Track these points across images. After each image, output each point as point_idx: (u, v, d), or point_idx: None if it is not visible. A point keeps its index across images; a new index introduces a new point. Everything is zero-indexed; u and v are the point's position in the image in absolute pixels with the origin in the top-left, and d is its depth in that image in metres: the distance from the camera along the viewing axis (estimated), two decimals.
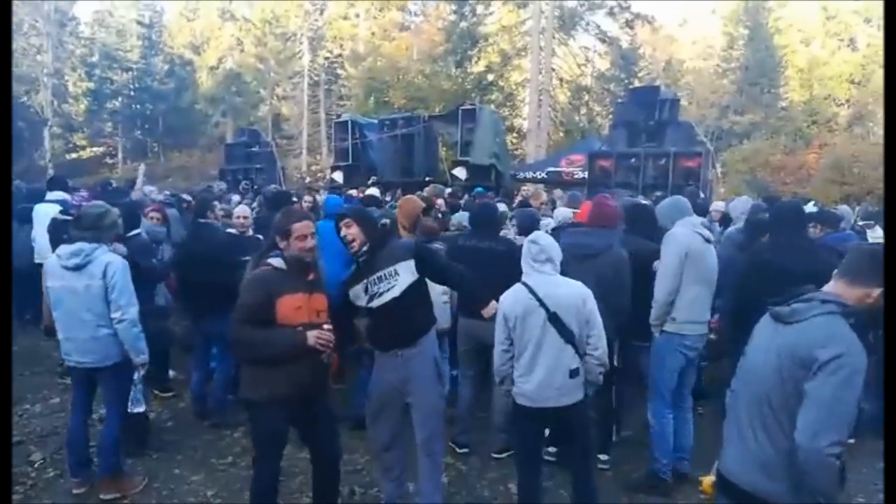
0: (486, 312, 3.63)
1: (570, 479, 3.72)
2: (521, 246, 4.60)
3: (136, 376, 4.12)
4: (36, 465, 4.61)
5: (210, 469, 4.60)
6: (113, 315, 3.95)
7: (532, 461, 3.64)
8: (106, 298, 3.95)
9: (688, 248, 4.10)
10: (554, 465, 4.39)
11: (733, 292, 4.60)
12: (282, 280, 3.23)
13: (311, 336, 3.22)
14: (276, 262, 3.28)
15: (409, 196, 6.15)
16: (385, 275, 3.53)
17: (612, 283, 4.16)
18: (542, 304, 3.34)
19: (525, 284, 3.45)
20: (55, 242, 5.93)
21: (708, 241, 4.21)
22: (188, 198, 9.21)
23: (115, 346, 4.02)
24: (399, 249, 3.64)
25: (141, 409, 4.23)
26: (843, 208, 7.63)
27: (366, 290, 3.57)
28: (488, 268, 4.27)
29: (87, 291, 3.92)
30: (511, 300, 3.46)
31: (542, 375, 3.36)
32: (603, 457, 4.61)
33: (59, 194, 7.56)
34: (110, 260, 3.98)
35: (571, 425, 3.51)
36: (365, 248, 3.55)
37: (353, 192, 11.98)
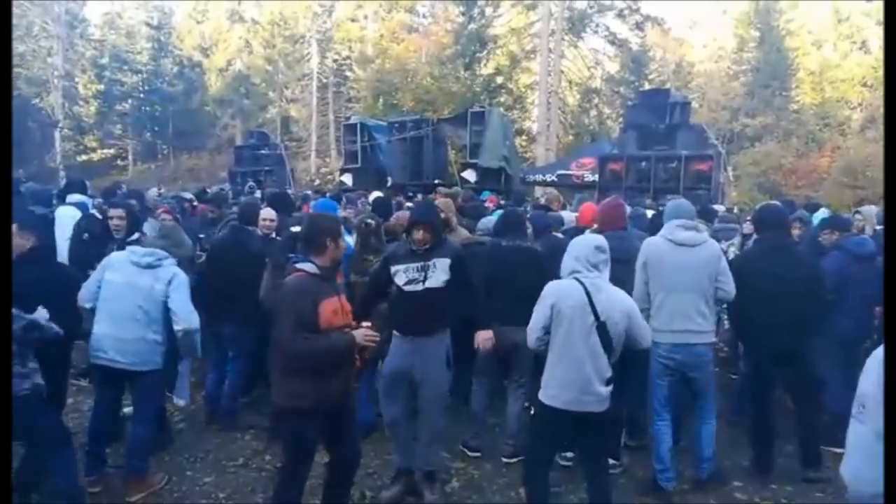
0: (481, 339, 4.03)
1: (584, 483, 3.70)
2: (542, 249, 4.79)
3: (183, 367, 4.25)
4: None
5: (221, 471, 4.59)
6: (177, 328, 4.01)
7: (545, 466, 3.63)
8: (164, 305, 4.02)
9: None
10: (564, 470, 4.37)
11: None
12: (318, 285, 3.25)
13: (359, 335, 3.30)
14: (310, 267, 3.28)
15: (443, 199, 6.29)
16: (425, 266, 3.89)
17: (631, 283, 4.14)
18: (592, 307, 3.33)
19: (580, 282, 3.40)
20: (77, 240, 6.08)
21: (686, 244, 4.08)
22: (188, 196, 9.17)
23: (157, 354, 4.06)
24: (444, 247, 3.98)
25: (185, 401, 4.39)
26: (868, 209, 7.52)
27: (406, 272, 3.92)
28: (523, 270, 4.49)
29: (149, 291, 4.00)
30: (563, 293, 3.42)
31: (581, 381, 3.34)
32: (612, 461, 4.55)
33: (77, 197, 7.53)
34: (177, 272, 4.13)
35: (601, 432, 3.50)
36: (426, 245, 3.90)
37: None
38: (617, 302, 3.40)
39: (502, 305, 4.42)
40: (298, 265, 3.29)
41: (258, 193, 12.15)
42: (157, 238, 4.24)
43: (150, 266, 4.03)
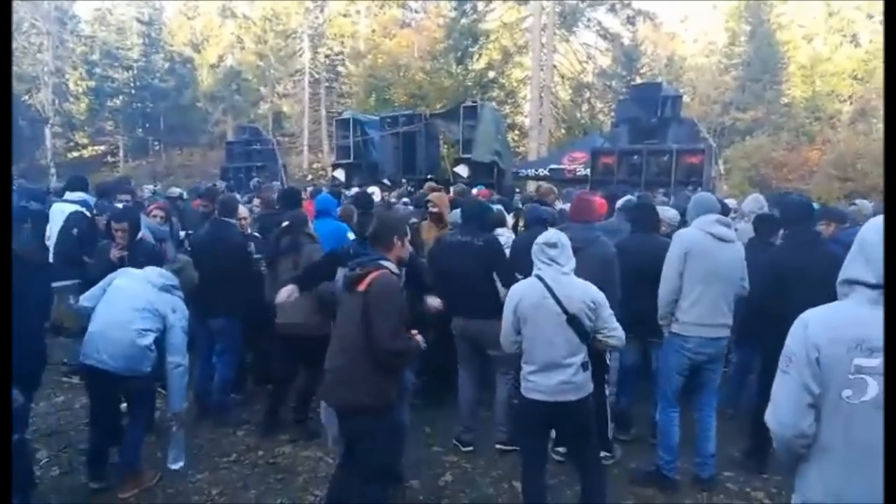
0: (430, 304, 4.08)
1: (578, 476, 3.73)
2: (502, 243, 4.92)
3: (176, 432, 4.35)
4: (41, 464, 4.56)
5: (214, 467, 4.59)
6: (170, 359, 4.05)
7: (539, 459, 3.66)
8: (162, 322, 4.06)
9: (688, 247, 4.06)
10: (558, 464, 4.39)
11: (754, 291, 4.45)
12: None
13: (420, 342, 3.44)
14: (394, 266, 3.40)
15: (437, 193, 6.42)
16: None
17: (599, 275, 3.98)
18: (557, 300, 3.38)
19: (540, 279, 3.46)
20: (65, 233, 6.08)
21: (723, 239, 4.09)
22: (177, 192, 9.13)
23: (148, 361, 4.05)
24: None
25: (181, 407, 4.32)
26: (863, 202, 7.58)
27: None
28: (469, 263, 4.57)
29: (153, 304, 4.04)
30: (524, 292, 3.51)
31: (555, 370, 3.40)
32: (604, 454, 4.58)
33: (79, 194, 7.38)
34: (183, 308, 4.21)
35: (583, 420, 3.54)
36: None
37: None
38: (579, 292, 3.43)
39: (458, 299, 4.53)
40: (385, 263, 3.33)
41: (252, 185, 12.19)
42: (173, 271, 4.31)
43: (163, 287, 4.13)
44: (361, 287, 3.21)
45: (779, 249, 4.78)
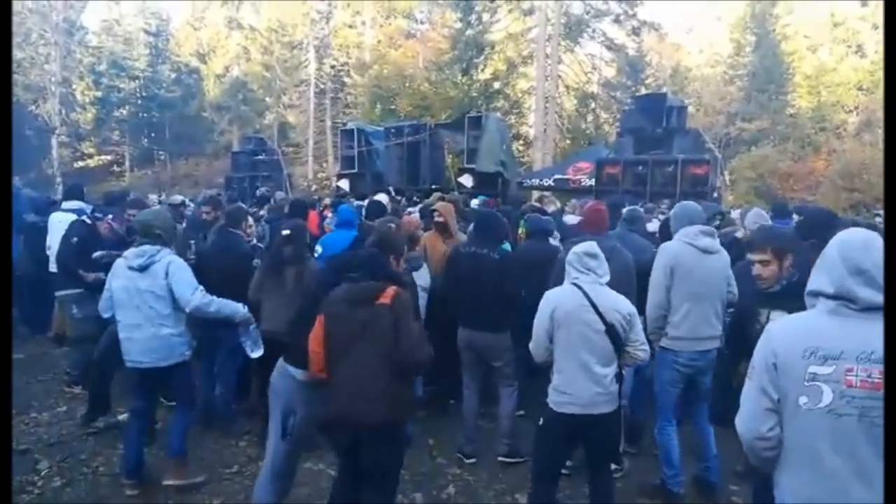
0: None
1: (585, 488, 3.74)
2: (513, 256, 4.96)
3: (251, 327, 4.33)
4: (42, 474, 4.54)
5: (216, 477, 4.56)
6: (186, 308, 4.10)
7: (555, 474, 3.65)
8: (170, 298, 4.11)
9: (674, 261, 4.02)
10: (564, 478, 4.30)
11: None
12: None
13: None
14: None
15: (444, 203, 6.45)
16: None
17: (621, 285, 3.91)
18: (596, 310, 3.36)
19: (578, 287, 3.43)
20: (66, 243, 6.04)
21: (708, 251, 4.06)
22: (179, 200, 9.07)
23: (178, 346, 4.17)
24: None
25: (259, 353, 4.33)
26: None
27: None
28: (483, 275, 4.53)
29: (151, 290, 4.07)
30: (560, 299, 3.47)
31: (591, 383, 3.37)
32: (614, 466, 4.53)
33: (75, 203, 7.49)
34: (171, 259, 4.17)
35: (615, 432, 3.57)
36: None
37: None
38: (616, 303, 3.43)
39: (466, 310, 4.62)
40: (394, 275, 3.37)
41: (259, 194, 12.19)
42: (141, 237, 4.25)
43: (143, 267, 4.08)
44: (385, 300, 3.12)
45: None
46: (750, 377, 2.06)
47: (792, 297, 2.61)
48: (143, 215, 4.47)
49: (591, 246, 3.56)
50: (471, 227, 5.62)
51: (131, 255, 4.14)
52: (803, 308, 2.07)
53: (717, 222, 6.20)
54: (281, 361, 3.61)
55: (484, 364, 4.78)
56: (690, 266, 4.00)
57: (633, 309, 3.45)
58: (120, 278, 4.13)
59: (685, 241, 4.06)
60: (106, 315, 4.24)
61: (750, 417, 2.04)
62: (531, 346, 3.58)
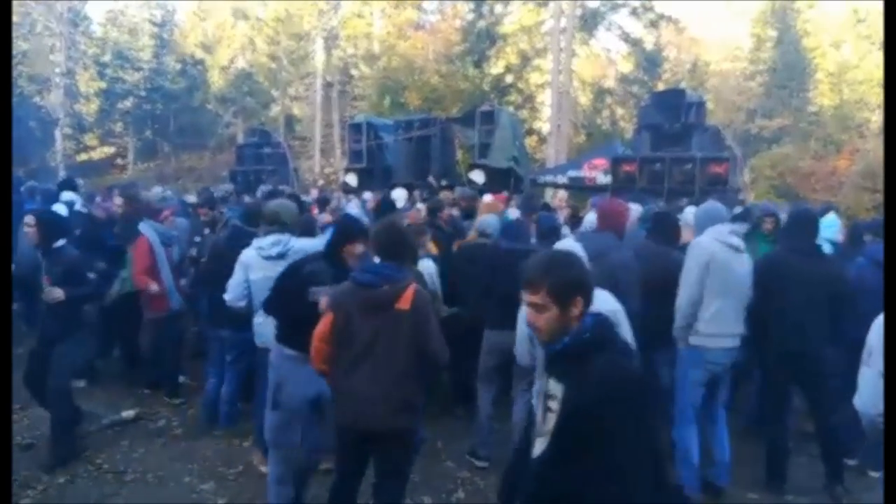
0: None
1: None
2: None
3: None
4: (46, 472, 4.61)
5: (220, 478, 4.64)
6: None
7: None
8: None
9: (710, 257, 4.12)
10: None
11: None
12: None
13: None
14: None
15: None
16: None
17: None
18: None
19: None
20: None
21: (738, 249, 4.21)
22: (192, 200, 9.42)
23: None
24: None
25: None
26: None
27: None
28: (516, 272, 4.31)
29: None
30: None
31: None
32: None
33: (68, 195, 8.06)
34: (301, 247, 4.38)
35: None
36: None
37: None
38: (599, 301, 3.07)
39: (499, 310, 4.59)
40: (409, 277, 3.38)
41: (259, 193, 11.76)
42: (268, 225, 4.57)
43: (280, 256, 4.30)
44: (404, 305, 3.12)
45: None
46: (867, 363, 2.42)
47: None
48: (271, 206, 4.73)
49: (566, 246, 3.56)
50: (489, 222, 5.68)
51: (266, 245, 4.38)
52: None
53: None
54: (274, 341, 3.80)
55: (505, 367, 4.72)
56: (723, 264, 4.14)
57: (617, 306, 3.37)
58: (257, 269, 4.34)
59: (718, 240, 4.20)
60: (241, 304, 4.46)
61: (870, 398, 2.41)
62: (516, 349, 3.77)
